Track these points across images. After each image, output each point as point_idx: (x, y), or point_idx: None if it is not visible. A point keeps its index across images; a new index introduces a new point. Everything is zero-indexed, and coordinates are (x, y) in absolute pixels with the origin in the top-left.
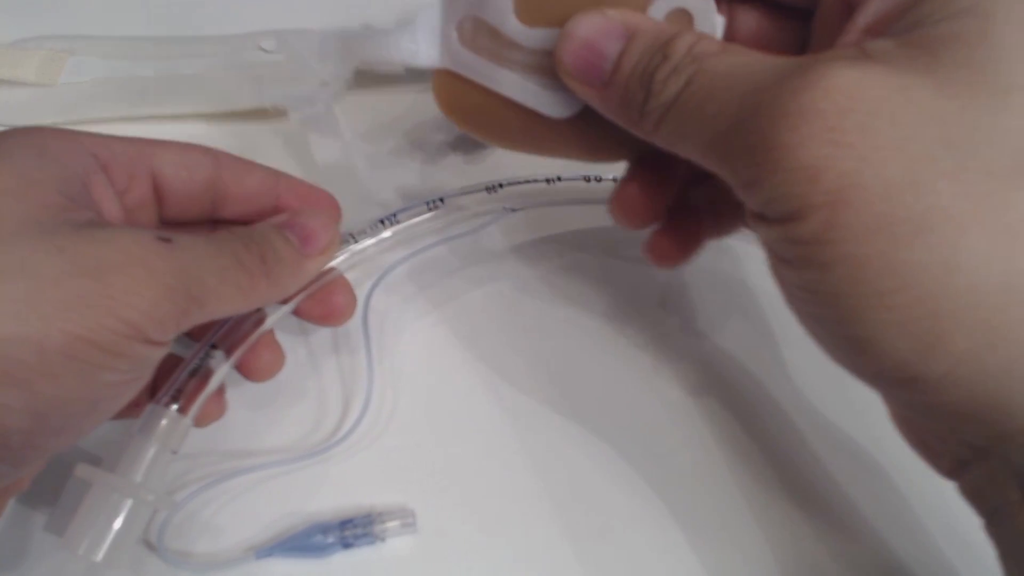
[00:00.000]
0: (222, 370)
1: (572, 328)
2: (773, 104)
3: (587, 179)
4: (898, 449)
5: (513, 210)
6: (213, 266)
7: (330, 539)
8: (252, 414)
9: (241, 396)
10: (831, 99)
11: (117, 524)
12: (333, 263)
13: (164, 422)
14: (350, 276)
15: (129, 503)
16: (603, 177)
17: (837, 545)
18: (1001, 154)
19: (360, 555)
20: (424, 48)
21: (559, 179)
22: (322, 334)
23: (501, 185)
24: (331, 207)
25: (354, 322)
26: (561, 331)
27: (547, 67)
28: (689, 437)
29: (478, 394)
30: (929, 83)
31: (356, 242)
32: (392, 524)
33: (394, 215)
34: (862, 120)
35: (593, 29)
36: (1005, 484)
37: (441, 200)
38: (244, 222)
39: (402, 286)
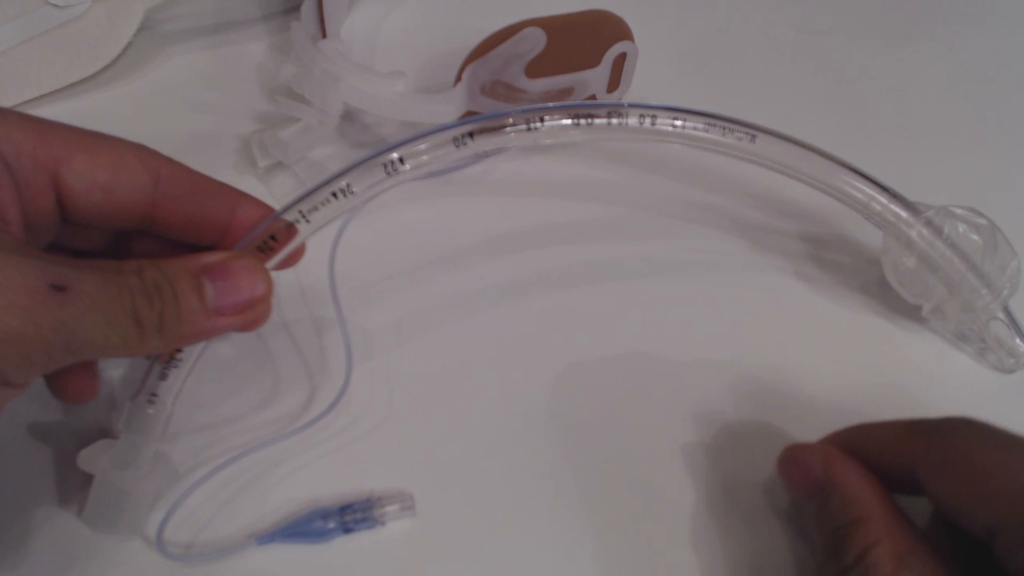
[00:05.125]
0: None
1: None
2: None
3: (576, 121)
4: None
5: (486, 155)
6: (103, 317)
7: (330, 524)
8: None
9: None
10: None
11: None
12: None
13: (145, 415)
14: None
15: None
16: (594, 116)
17: None
18: None
19: (360, 539)
20: (451, 110)
21: (542, 120)
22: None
23: (471, 135)
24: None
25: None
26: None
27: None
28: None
29: (473, 371)
30: None
31: (308, 222)
32: (391, 508)
33: (342, 177)
34: None
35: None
36: None
37: (401, 160)
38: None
39: (372, 254)
